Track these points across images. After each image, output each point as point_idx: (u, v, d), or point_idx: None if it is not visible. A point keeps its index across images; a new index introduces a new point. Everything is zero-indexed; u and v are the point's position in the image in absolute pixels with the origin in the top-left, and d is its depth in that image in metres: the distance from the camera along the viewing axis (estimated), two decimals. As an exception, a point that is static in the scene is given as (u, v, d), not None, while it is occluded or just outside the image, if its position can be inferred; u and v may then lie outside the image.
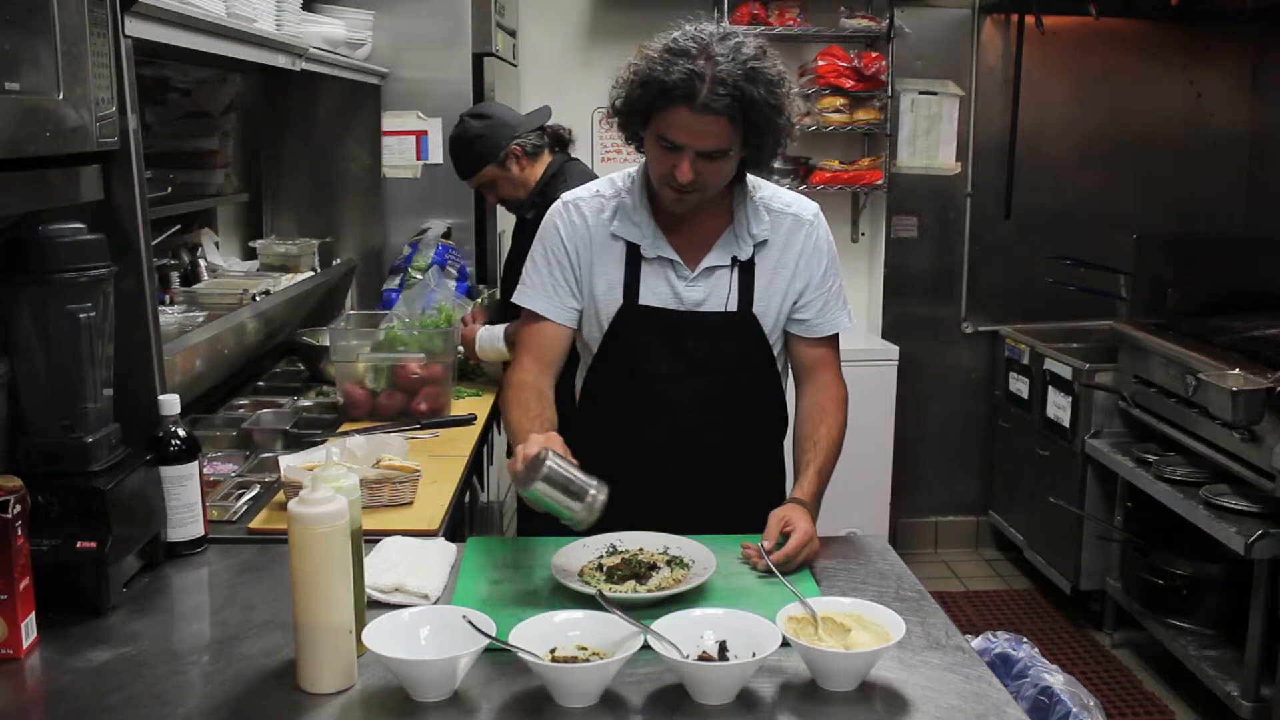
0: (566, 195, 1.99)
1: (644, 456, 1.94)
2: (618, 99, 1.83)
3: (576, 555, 1.67)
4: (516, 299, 1.98)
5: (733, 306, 1.90)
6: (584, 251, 1.92)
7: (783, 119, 1.78)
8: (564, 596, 1.57)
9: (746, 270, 1.91)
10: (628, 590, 1.55)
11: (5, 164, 1.32)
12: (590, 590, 1.52)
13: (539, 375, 1.91)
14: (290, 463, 1.99)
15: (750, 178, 1.94)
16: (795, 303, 1.94)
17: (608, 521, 1.74)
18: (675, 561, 1.65)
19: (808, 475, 1.86)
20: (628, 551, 1.68)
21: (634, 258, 1.91)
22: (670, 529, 1.75)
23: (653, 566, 1.63)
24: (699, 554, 1.66)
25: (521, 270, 2.00)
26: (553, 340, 1.94)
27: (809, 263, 1.93)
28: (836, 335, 1.99)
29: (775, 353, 1.97)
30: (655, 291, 1.90)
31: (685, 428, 1.93)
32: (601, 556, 1.67)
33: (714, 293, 1.90)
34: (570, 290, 1.93)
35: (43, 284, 1.53)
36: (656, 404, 1.93)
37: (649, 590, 1.56)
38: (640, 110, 1.79)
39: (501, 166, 2.84)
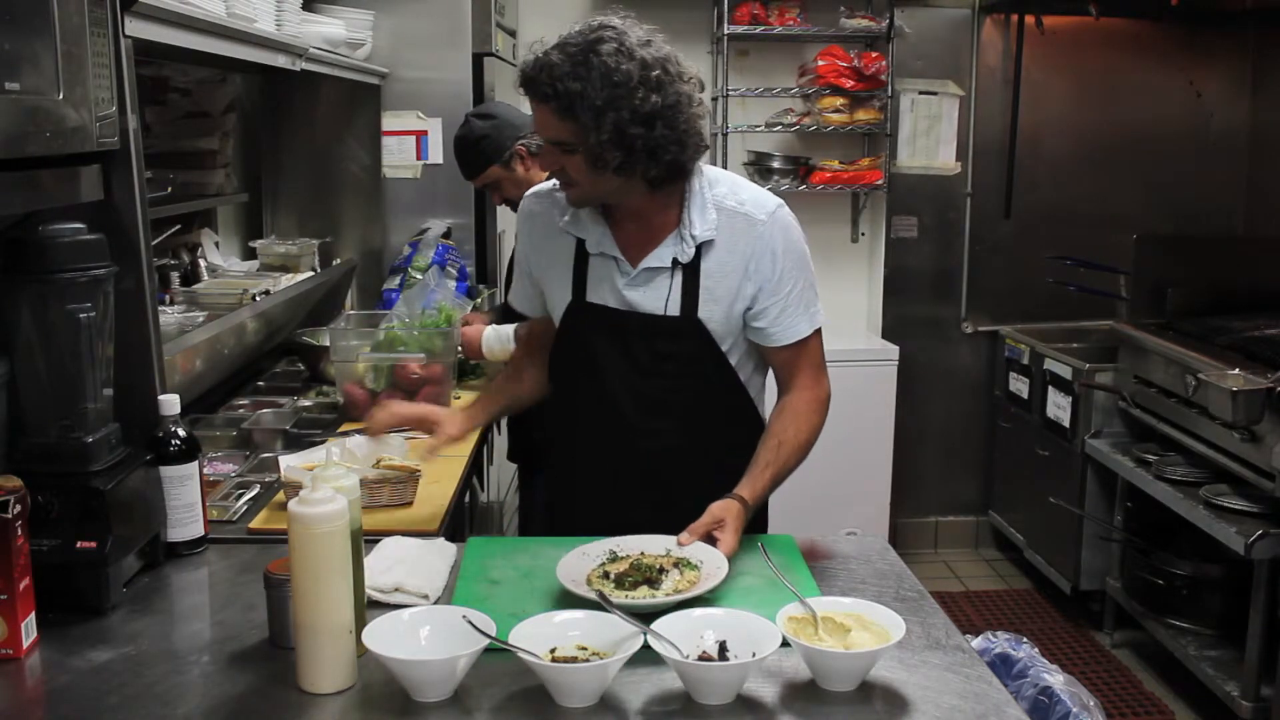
0: (531, 190, 2.00)
1: (597, 455, 1.92)
2: None
3: (578, 564, 1.62)
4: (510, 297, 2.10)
5: (674, 310, 1.82)
6: (538, 243, 1.94)
7: (628, 104, 1.68)
8: (564, 596, 1.57)
9: (690, 273, 1.82)
10: (642, 596, 1.52)
11: (5, 164, 1.32)
12: (612, 602, 1.45)
13: (528, 354, 2.08)
14: (290, 463, 1.99)
15: (713, 172, 1.88)
16: (750, 309, 1.83)
17: (590, 515, 1.80)
18: (683, 563, 1.62)
19: (763, 476, 1.80)
20: (630, 556, 1.64)
21: (582, 253, 1.88)
22: (624, 529, 1.74)
23: (661, 570, 1.59)
24: (706, 555, 1.63)
25: None
26: (539, 330, 2.05)
27: (759, 265, 1.81)
28: (808, 339, 1.87)
29: (735, 359, 1.88)
30: (598, 290, 1.87)
31: (633, 430, 1.88)
32: (604, 563, 1.63)
33: (653, 294, 1.83)
34: (533, 282, 1.98)
35: (43, 284, 1.53)
36: (605, 404, 1.88)
37: (666, 595, 1.52)
38: None
39: (506, 167, 2.83)
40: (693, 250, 1.81)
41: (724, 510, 1.72)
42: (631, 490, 1.90)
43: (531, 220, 1.96)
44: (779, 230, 1.84)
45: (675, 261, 1.82)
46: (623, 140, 1.71)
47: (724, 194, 1.85)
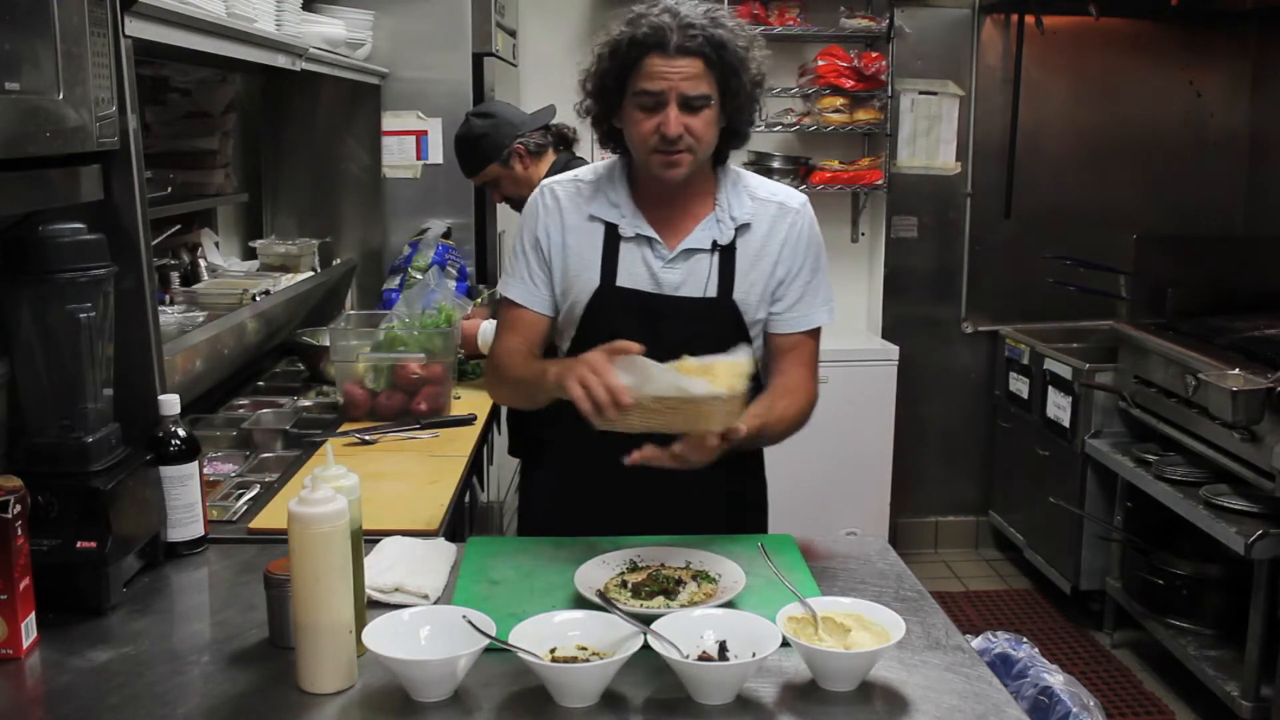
0: (546, 181, 1.96)
1: (611, 442, 1.81)
2: (588, 81, 1.82)
3: (597, 572, 1.61)
4: (499, 287, 1.99)
5: (712, 292, 1.85)
6: (556, 234, 1.89)
7: (754, 63, 1.78)
8: (564, 597, 1.57)
9: (727, 255, 1.86)
10: (657, 606, 1.51)
11: (5, 164, 1.32)
12: (617, 606, 1.46)
13: (526, 350, 1.93)
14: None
15: (737, 170, 1.92)
16: (776, 293, 1.90)
17: (589, 511, 1.80)
18: (701, 576, 1.61)
19: (753, 420, 1.68)
20: (650, 567, 1.63)
21: (612, 238, 1.87)
22: (644, 521, 1.77)
23: (679, 582, 1.58)
24: (725, 569, 1.62)
25: None
26: (532, 327, 1.94)
27: (792, 252, 1.89)
28: (815, 334, 1.93)
29: (755, 344, 1.91)
30: (631, 273, 1.86)
31: None
32: (623, 572, 1.62)
33: (692, 276, 1.85)
34: (545, 278, 1.92)
35: (43, 284, 1.53)
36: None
37: (681, 606, 1.51)
38: (615, 76, 1.77)
39: (505, 165, 2.85)
40: (732, 232, 1.86)
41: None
42: (642, 477, 1.86)
43: (556, 207, 1.91)
44: (809, 221, 1.93)
45: (714, 244, 1.86)
46: (754, 92, 1.80)
47: (755, 185, 1.93)
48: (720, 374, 1.63)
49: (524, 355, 1.91)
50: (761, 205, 1.90)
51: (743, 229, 1.87)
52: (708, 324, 1.86)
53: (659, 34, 1.71)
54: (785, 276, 1.89)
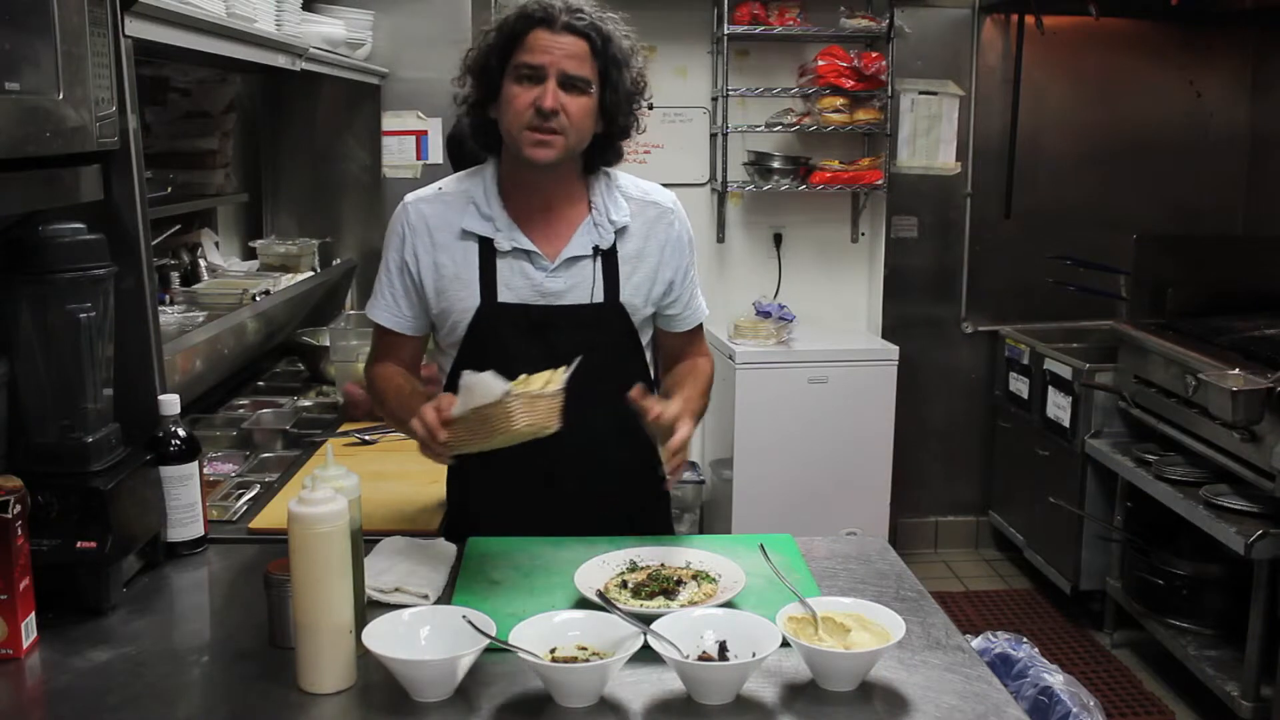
0: (409, 197, 1.90)
1: (517, 458, 1.75)
2: (471, 58, 1.81)
3: (597, 572, 1.62)
4: (367, 309, 1.93)
5: (598, 297, 1.84)
6: (426, 255, 1.84)
7: (636, 69, 1.79)
8: (564, 596, 1.57)
9: (609, 259, 1.85)
10: (657, 606, 1.51)
11: (5, 164, 1.32)
12: (618, 606, 1.46)
13: (404, 370, 1.91)
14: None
15: (607, 171, 1.90)
16: (666, 294, 1.91)
17: (508, 527, 1.80)
18: (701, 576, 1.61)
19: (684, 393, 1.82)
20: (650, 567, 1.64)
21: (488, 253, 1.82)
22: (555, 528, 1.78)
23: (679, 582, 1.59)
24: (724, 567, 1.63)
25: None
26: (404, 348, 1.92)
27: (675, 252, 1.91)
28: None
29: (644, 343, 1.93)
30: (513, 287, 1.82)
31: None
32: (623, 572, 1.63)
33: (577, 284, 1.83)
34: (412, 301, 1.87)
35: (43, 284, 1.53)
36: None
37: (681, 606, 1.51)
38: (498, 51, 1.75)
39: None
40: (612, 236, 1.86)
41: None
42: (556, 486, 1.85)
43: (424, 226, 1.85)
44: (683, 218, 1.95)
45: (595, 249, 1.85)
46: (632, 96, 1.80)
47: (626, 184, 1.92)
48: (537, 380, 1.63)
49: (395, 384, 1.86)
50: (638, 206, 1.89)
51: (621, 231, 1.87)
52: (597, 330, 1.85)
53: (547, 11, 1.73)
54: (674, 278, 1.91)
